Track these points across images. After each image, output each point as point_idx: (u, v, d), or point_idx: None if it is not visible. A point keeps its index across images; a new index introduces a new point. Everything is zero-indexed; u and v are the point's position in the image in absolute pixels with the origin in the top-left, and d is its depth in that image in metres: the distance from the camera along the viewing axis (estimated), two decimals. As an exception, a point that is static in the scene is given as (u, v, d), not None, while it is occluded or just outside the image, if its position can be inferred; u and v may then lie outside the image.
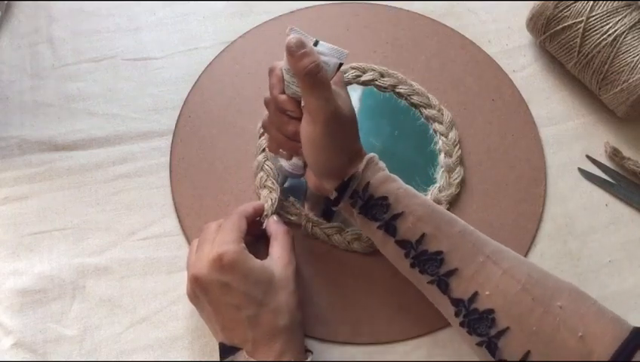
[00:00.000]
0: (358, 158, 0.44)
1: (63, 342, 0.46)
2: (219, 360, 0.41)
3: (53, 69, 0.58)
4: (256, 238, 0.47)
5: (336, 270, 0.49)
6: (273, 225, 0.47)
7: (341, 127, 0.42)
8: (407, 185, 0.44)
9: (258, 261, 0.42)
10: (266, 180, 0.52)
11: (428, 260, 0.42)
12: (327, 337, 0.47)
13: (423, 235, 0.42)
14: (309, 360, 0.42)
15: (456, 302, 0.41)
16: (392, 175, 0.44)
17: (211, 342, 0.46)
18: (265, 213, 0.48)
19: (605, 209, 0.54)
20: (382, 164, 0.45)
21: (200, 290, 0.41)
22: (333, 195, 0.44)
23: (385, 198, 0.43)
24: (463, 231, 0.42)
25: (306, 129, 0.42)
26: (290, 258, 0.44)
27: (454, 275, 0.41)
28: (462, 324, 0.41)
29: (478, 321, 0.40)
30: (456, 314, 0.41)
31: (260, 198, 0.51)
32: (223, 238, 0.42)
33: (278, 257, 0.44)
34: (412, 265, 0.43)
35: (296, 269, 0.44)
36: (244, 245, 0.42)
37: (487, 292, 0.40)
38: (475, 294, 0.41)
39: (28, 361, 0.45)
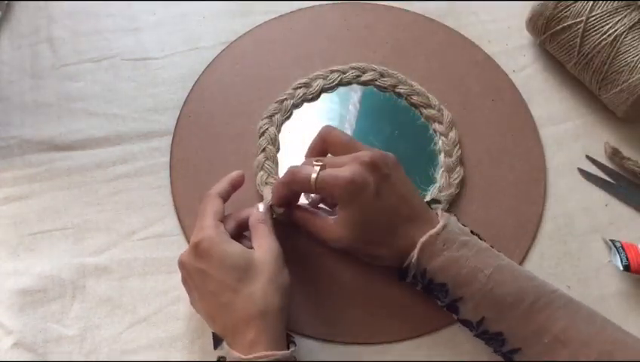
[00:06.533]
0: (412, 243, 0.43)
1: (63, 342, 0.46)
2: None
3: (53, 69, 0.58)
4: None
5: (336, 270, 0.49)
6: (253, 214, 0.46)
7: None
8: (475, 255, 0.42)
9: (237, 245, 0.42)
10: (267, 178, 0.52)
11: (490, 339, 0.43)
12: (327, 337, 0.47)
13: (482, 318, 0.42)
14: (289, 350, 0.40)
15: None
16: (453, 253, 0.42)
17: (211, 342, 0.46)
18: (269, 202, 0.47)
19: (605, 209, 0.54)
20: (447, 236, 0.43)
21: (185, 276, 0.43)
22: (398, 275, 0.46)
23: (444, 285, 0.43)
24: (529, 311, 0.41)
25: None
26: (269, 244, 0.43)
27: (517, 353, 0.42)
28: None
29: None
30: None
31: (262, 196, 0.51)
32: (200, 224, 0.42)
33: (258, 245, 0.43)
34: (477, 337, 0.44)
35: (278, 255, 0.43)
36: (222, 229, 0.42)
37: None
38: None
39: (28, 361, 0.45)
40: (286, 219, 0.48)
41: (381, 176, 0.43)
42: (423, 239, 0.43)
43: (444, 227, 0.43)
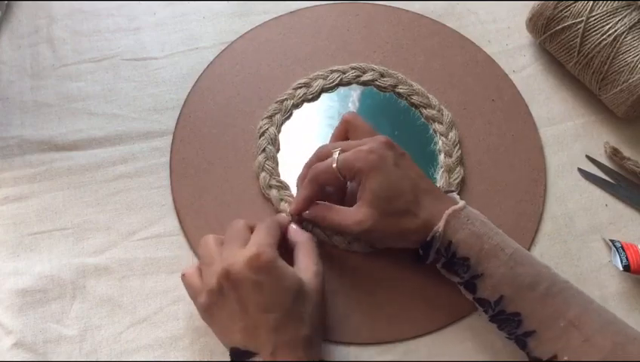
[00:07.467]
0: (436, 216, 0.44)
1: (63, 342, 0.46)
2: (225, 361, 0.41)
3: (53, 69, 0.58)
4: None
5: (336, 270, 0.49)
6: (297, 232, 0.47)
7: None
8: (495, 235, 0.44)
9: (291, 268, 0.42)
10: (269, 180, 0.52)
11: (506, 320, 0.43)
12: (327, 337, 0.47)
13: (501, 297, 0.43)
14: None
15: (535, 360, 0.42)
16: (477, 229, 0.44)
17: (211, 342, 0.46)
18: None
19: (605, 209, 0.54)
20: (469, 213, 0.45)
21: (229, 286, 0.40)
22: (420, 253, 0.46)
23: (467, 259, 0.43)
24: (545, 294, 0.42)
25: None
26: (318, 268, 0.44)
27: (532, 337, 0.42)
28: None
29: None
30: None
31: (271, 199, 0.51)
32: (261, 240, 0.42)
33: (305, 266, 0.43)
34: (491, 320, 0.44)
35: (323, 281, 0.44)
36: (276, 250, 0.42)
37: (565, 357, 0.41)
38: (554, 357, 0.41)
39: (28, 361, 0.45)
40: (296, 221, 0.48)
41: (398, 153, 0.46)
42: (448, 211, 0.44)
43: (465, 206, 0.45)
